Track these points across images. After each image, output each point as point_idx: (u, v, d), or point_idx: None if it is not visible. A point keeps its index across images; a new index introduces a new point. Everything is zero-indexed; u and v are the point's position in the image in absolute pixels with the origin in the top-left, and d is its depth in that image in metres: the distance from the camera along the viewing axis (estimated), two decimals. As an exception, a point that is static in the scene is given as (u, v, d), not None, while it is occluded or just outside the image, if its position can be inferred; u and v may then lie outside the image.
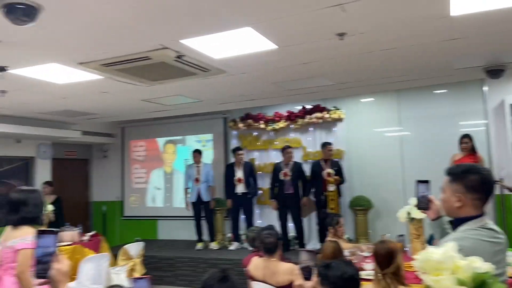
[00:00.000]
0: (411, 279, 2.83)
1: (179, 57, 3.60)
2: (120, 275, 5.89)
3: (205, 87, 5.00)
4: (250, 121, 7.45)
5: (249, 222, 7.13)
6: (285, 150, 6.76)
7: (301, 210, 6.71)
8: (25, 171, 8.06)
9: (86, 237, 6.13)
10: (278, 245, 3.41)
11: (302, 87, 5.17)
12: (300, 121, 7.11)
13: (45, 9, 2.55)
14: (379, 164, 6.83)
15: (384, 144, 6.84)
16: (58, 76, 4.21)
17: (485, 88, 6.21)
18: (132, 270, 5.99)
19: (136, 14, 2.75)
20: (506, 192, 5.73)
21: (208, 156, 8.03)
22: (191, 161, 8.09)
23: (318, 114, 6.94)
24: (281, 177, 6.68)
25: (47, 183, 7.12)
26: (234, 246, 7.14)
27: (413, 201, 3.78)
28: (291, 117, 7.16)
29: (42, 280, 1.44)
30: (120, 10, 2.68)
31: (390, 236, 4.34)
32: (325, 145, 6.47)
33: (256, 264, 3.46)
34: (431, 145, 6.51)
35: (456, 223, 1.92)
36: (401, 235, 4.38)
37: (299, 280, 1.88)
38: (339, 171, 6.37)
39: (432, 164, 6.38)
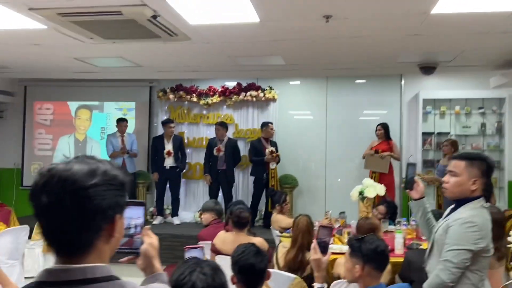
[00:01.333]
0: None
1: (154, 16, 3.31)
2: (34, 249, 5.32)
3: (155, 52, 4.68)
4: (181, 92, 7.18)
5: (175, 196, 6.96)
6: (215, 125, 6.71)
7: (232, 186, 6.76)
8: None
9: (-8, 208, 5.35)
10: (249, 220, 3.45)
11: (255, 64, 5.15)
12: (234, 97, 7.08)
13: None
14: (306, 146, 7.20)
15: (311, 127, 7.22)
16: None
17: (403, 82, 6.92)
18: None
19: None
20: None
21: (129, 127, 7.53)
22: (111, 130, 7.56)
23: (253, 92, 6.99)
24: (215, 152, 6.61)
25: None
26: (157, 220, 6.92)
27: (368, 181, 4.13)
28: (226, 93, 7.09)
29: (127, 258, 1.26)
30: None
31: (331, 212, 4.64)
32: (267, 124, 6.56)
33: (223, 238, 3.44)
34: (352, 131, 7.07)
35: (461, 202, 2.17)
36: (342, 212, 4.74)
37: (317, 255, 1.93)
38: (276, 150, 6.56)
39: (352, 148, 7.01)
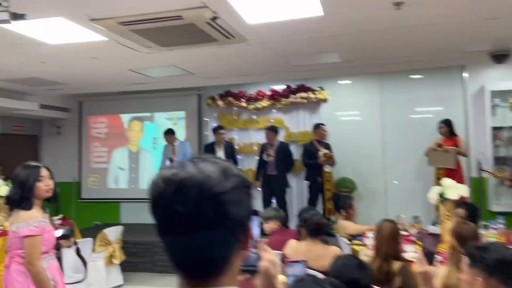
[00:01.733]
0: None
1: (213, 18, 3.21)
2: (98, 262, 5.36)
3: (208, 58, 4.61)
4: (230, 98, 7.10)
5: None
6: (266, 131, 6.56)
7: (285, 192, 6.57)
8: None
9: (56, 221, 5.45)
10: (327, 228, 3.25)
11: (307, 64, 4.97)
12: (284, 100, 6.92)
13: None
14: (361, 147, 6.88)
15: (365, 127, 6.90)
16: (53, 34, 3.57)
17: (465, 75, 6.48)
18: (111, 256, 5.47)
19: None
20: (484, 175, 6.05)
21: (180, 135, 7.54)
22: (162, 140, 7.61)
23: (303, 94, 6.80)
24: (264, 157, 6.47)
25: None
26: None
27: (447, 181, 3.80)
28: (275, 96, 6.94)
29: (244, 277, 1.09)
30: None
31: (405, 217, 4.33)
32: (319, 125, 6.35)
33: (295, 248, 3.25)
34: (410, 129, 6.69)
35: None
36: (416, 217, 4.42)
37: (423, 266, 1.69)
38: (331, 152, 6.31)
39: (411, 147, 6.63)
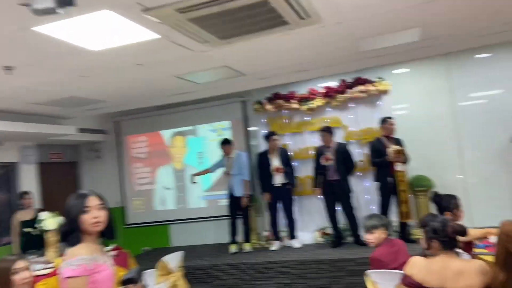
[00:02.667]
0: None
1: (291, -9, 2.60)
2: (160, 295, 4.78)
3: (269, 51, 4.03)
4: (280, 101, 6.49)
5: (290, 216, 6.20)
6: (320, 133, 5.90)
7: (350, 197, 5.86)
8: (6, 179, 6.63)
9: (110, 253, 4.91)
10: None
11: (381, 47, 4.30)
12: (339, 97, 6.24)
13: None
14: (432, 140, 6.11)
15: (435, 116, 6.14)
16: (95, 36, 3.05)
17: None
18: (174, 286, 4.88)
19: None
20: None
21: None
22: (208, 154, 7.13)
23: (361, 88, 6.12)
24: (323, 162, 5.79)
25: (25, 193, 5.62)
26: (275, 245, 6.17)
27: None
28: (329, 93, 6.27)
29: None
30: None
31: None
32: (386, 119, 5.65)
33: (425, 266, 2.52)
34: (489, 115, 5.88)
35: None
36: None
37: None
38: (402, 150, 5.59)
39: (492, 134, 5.82)
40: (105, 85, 4.63)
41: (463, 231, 2.48)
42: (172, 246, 7.53)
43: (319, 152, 5.92)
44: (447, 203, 3.71)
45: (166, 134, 7.66)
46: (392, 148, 5.44)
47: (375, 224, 3.20)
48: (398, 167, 5.52)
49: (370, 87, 6.07)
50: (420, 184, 5.78)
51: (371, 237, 3.20)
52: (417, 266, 2.57)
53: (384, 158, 5.50)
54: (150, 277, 4.15)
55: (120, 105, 6.07)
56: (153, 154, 7.71)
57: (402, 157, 5.50)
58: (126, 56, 3.60)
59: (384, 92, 6.12)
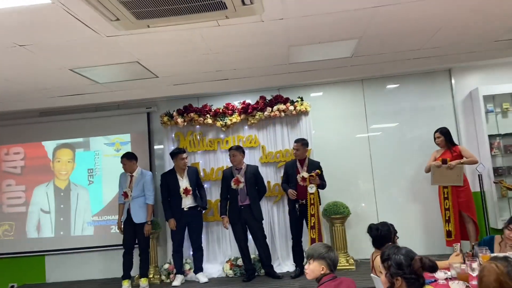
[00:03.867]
0: None
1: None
2: None
3: (192, 47, 3.36)
4: (192, 114, 5.78)
5: (197, 245, 5.44)
6: (230, 151, 5.36)
7: (262, 224, 5.34)
8: None
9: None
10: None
11: (309, 61, 3.95)
12: (258, 114, 5.78)
13: None
14: (348, 166, 5.97)
15: (352, 143, 6.02)
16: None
17: (453, 81, 5.94)
18: None
19: None
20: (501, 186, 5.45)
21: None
22: (100, 171, 6.08)
23: (281, 106, 5.74)
24: (233, 185, 5.23)
25: None
26: (177, 280, 5.32)
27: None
28: (248, 110, 5.78)
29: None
30: None
31: (457, 247, 3.35)
32: (298, 141, 5.28)
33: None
34: (399, 143, 5.95)
35: None
36: (476, 245, 3.45)
37: None
38: (321, 175, 5.26)
39: (401, 163, 5.87)
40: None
41: (433, 266, 2.06)
42: (48, 282, 6.17)
43: (227, 175, 5.33)
44: (386, 232, 3.36)
45: (48, 146, 6.38)
46: (300, 175, 5.12)
47: (311, 253, 2.66)
48: (310, 189, 5.15)
49: (290, 107, 5.73)
50: (337, 211, 5.50)
51: (306, 268, 2.65)
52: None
53: (289, 185, 5.16)
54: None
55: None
56: (30, 169, 6.34)
57: (316, 181, 5.15)
58: (1, 29, 2.64)
59: (304, 113, 5.82)
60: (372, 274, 3.25)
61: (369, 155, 5.98)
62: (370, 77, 5.99)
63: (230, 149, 5.39)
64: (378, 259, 3.19)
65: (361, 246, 5.69)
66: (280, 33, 3.24)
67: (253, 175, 5.33)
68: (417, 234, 5.76)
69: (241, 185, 5.24)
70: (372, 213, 5.89)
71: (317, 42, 3.52)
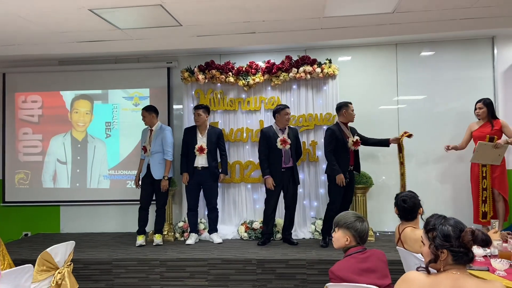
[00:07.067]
0: None
1: None
2: (37, 296, 3.57)
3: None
4: (214, 71, 5.53)
5: (212, 206, 5.30)
6: (283, 110, 4.97)
7: (297, 189, 5.14)
8: None
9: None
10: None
11: (344, 15, 3.60)
12: (282, 75, 5.49)
13: None
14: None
15: (382, 112, 5.71)
16: None
17: (495, 51, 5.51)
18: (57, 285, 3.69)
19: None
20: None
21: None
22: (118, 125, 5.96)
23: (308, 68, 5.43)
24: (279, 145, 4.98)
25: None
26: (191, 239, 5.24)
27: None
28: (272, 70, 5.49)
29: None
30: None
31: (496, 224, 3.11)
32: (346, 104, 4.93)
33: (425, 286, 1.85)
34: (432, 115, 5.61)
35: None
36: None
37: None
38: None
39: (433, 137, 5.56)
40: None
41: (486, 240, 1.83)
42: (62, 232, 6.20)
43: (269, 134, 5.05)
44: (414, 204, 3.13)
45: (67, 96, 6.25)
46: (352, 139, 4.87)
47: (337, 221, 2.46)
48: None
49: (317, 69, 5.41)
50: (359, 181, 5.27)
51: (333, 236, 2.47)
52: (415, 285, 1.87)
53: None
54: (25, 273, 2.96)
55: (6, 48, 4.62)
56: (48, 119, 6.24)
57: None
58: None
59: (332, 76, 5.51)
60: (398, 247, 3.05)
61: (397, 126, 5.67)
62: (405, 41, 5.60)
63: (276, 107, 5.07)
64: (408, 231, 2.98)
65: (382, 218, 5.51)
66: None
67: (295, 137, 5.10)
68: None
69: (288, 146, 5.00)
70: (394, 187, 5.64)
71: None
